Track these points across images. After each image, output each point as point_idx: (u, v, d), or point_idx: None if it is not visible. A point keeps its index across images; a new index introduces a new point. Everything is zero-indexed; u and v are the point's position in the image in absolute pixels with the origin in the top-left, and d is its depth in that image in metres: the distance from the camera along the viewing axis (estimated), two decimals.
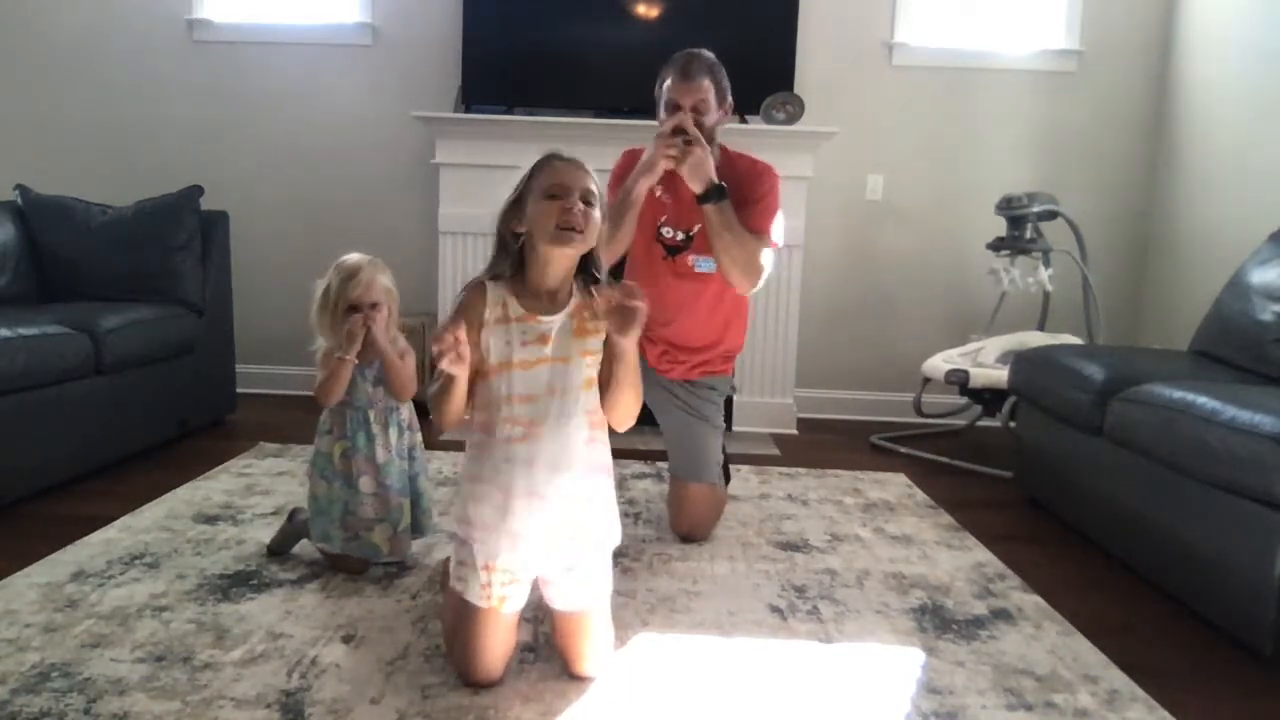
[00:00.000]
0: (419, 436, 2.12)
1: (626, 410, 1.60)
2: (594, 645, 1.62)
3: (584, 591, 1.60)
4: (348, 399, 2.03)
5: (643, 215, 2.30)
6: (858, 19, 3.94)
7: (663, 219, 2.36)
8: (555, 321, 1.54)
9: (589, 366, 1.56)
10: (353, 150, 4.05)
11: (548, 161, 1.53)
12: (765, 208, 2.31)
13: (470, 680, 1.57)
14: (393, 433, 2.05)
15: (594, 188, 1.52)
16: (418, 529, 2.12)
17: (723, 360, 2.45)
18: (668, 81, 2.27)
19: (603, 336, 1.56)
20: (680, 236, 2.35)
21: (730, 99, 2.33)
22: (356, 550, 2.03)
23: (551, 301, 1.55)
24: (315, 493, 2.06)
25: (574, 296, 1.56)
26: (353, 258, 2.03)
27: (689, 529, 2.35)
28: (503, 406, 1.53)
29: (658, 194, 2.33)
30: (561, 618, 1.62)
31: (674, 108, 2.24)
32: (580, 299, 1.56)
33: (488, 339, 1.53)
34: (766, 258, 2.30)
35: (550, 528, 1.54)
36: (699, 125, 2.21)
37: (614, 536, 1.64)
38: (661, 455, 3.22)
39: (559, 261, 1.53)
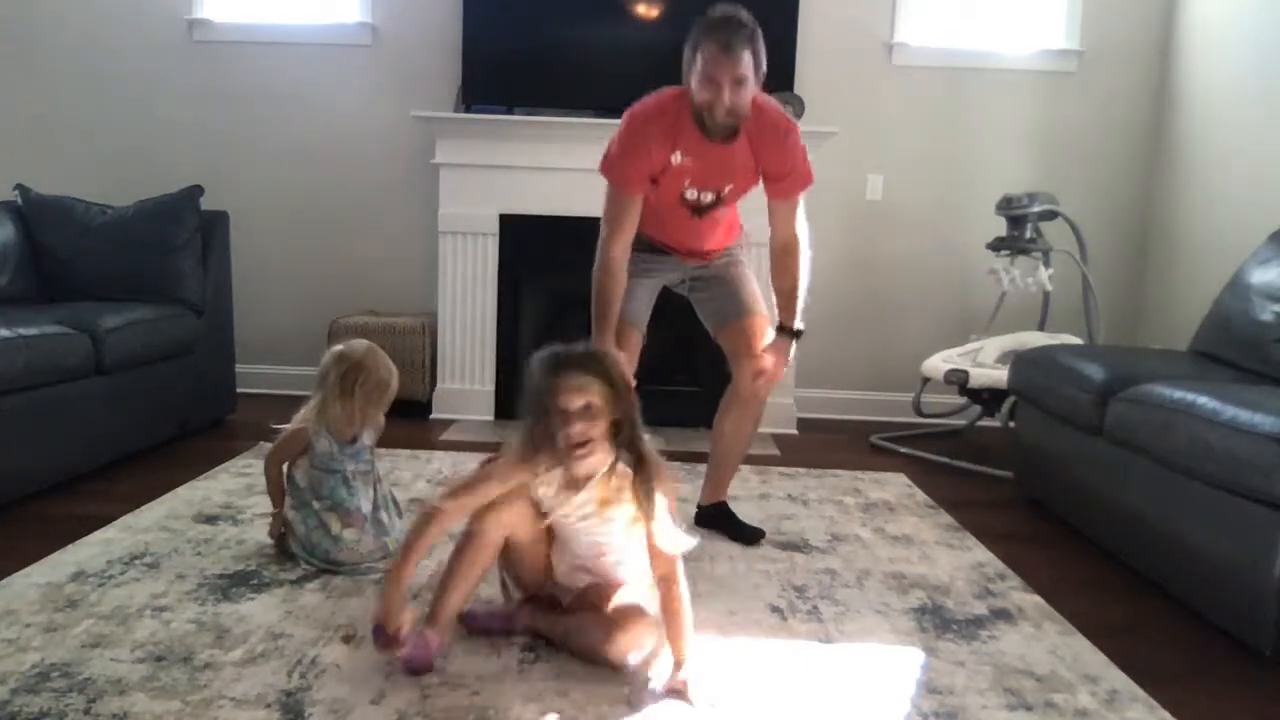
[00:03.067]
0: (387, 485, 2.22)
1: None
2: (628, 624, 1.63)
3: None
4: (327, 467, 2.09)
5: (666, 181, 2.21)
6: (858, 19, 3.95)
7: (686, 182, 2.23)
8: (585, 497, 1.63)
9: (600, 534, 1.66)
10: (353, 150, 4.05)
11: (551, 377, 1.58)
12: (804, 173, 2.26)
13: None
14: (371, 487, 2.14)
15: (597, 398, 1.56)
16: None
17: (734, 228, 2.45)
18: (704, 51, 2.06)
19: (623, 507, 1.62)
20: (709, 198, 2.26)
21: (764, 65, 2.13)
22: (342, 558, 2.07)
23: (587, 475, 1.63)
24: (295, 530, 2.10)
25: (607, 465, 1.62)
26: (357, 345, 2.11)
27: (759, 363, 2.29)
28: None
29: (676, 161, 2.19)
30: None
31: (712, 83, 2.06)
32: (611, 468, 1.61)
33: (536, 489, 1.66)
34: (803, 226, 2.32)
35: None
36: (737, 102, 2.06)
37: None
38: (662, 455, 3.22)
39: (578, 466, 1.61)
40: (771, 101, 2.26)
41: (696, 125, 2.14)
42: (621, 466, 1.61)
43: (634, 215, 2.21)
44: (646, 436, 1.63)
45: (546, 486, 1.65)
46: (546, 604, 1.76)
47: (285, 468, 2.15)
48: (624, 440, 1.61)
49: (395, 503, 2.24)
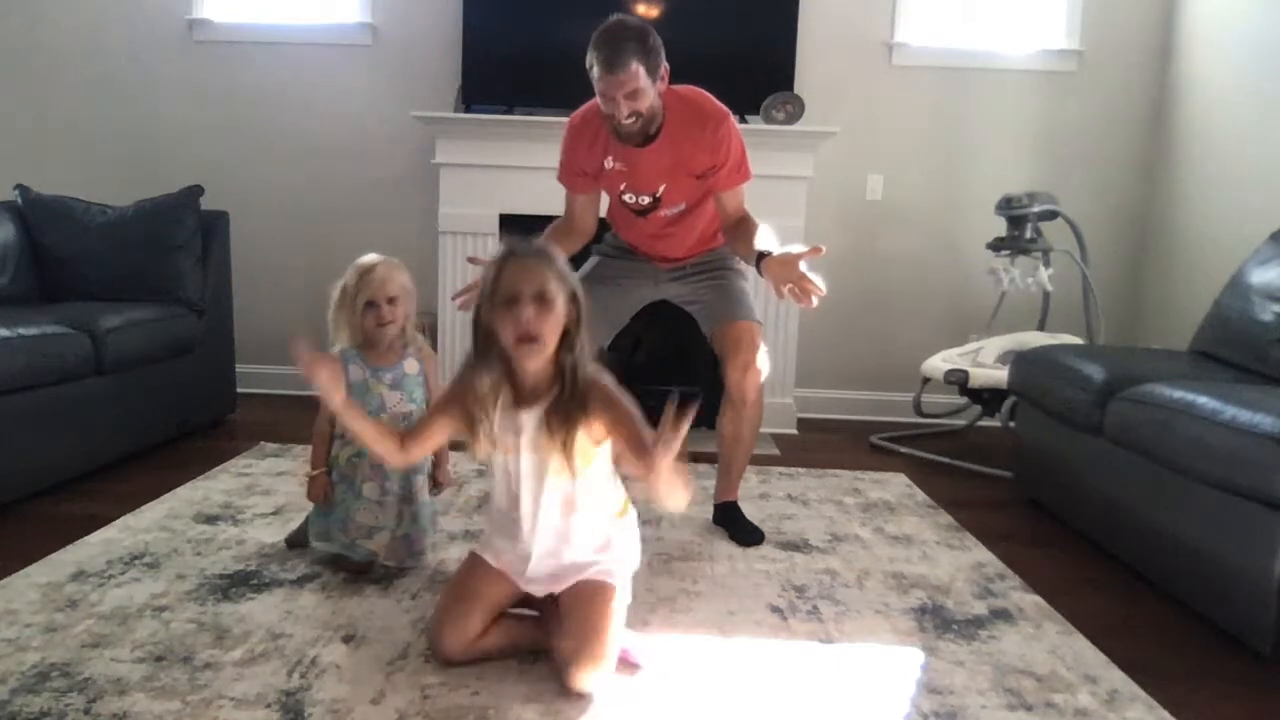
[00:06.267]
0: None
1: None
2: (597, 642, 1.56)
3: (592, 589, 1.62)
4: (361, 403, 2.03)
5: (606, 185, 2.34)
6: (858, 19, 3.94)
7: (622, 187, 2.33)
8: (530, 416, 1.57)
9: (559, 457, 1.57)
10: (353, 150, 4.05)
11: (502, 263, 1.53)
12: (738, 163, 2.27)
13: (436, 642, 1.64)
14: None
15: (551, 285, 1.51)
16: (418, 536, 2.08)
17: (712, 240, 2.45)
18: (595, 70, 2.11)
19: (574, 436, 1.55)
20: (646, 200, 2.33)
21: (664, 62, 2.16)
22: (355, 554, 2.03)
23: (535, 391, 1.58)
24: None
25: (552, 388, 1.56)
26: (370, 257, 2.04)
27: (745, 363, 2.28)
28: (498, 478, 1.67)
29: (608, 165, 2.29)
30: (566, 598, 1.62)
31: (608, 99, 2.13)
32: (555, 391, 1.56)
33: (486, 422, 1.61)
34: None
35: (546, 570, 1.66)
36: (636, 109, 2.13)
37: (624, 569, 1.69)
38: None
39: (527, 361, 1.55)
40: (700, 95, 2.28)
41: (614, 134, 2.24)
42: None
43: (578, 211, 2.42)
44: (591, 364, 1.57)
45: (495, 406, 1.58)
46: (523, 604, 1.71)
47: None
48: (566, 356, 1.55)
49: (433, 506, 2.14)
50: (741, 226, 2.29)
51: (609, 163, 2.29)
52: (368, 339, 2.04)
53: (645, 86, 2.11)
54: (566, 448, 1.55)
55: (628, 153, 2.26)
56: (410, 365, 2.07)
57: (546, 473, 1.59)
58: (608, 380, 1.59)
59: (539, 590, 1.67)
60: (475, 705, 1.52)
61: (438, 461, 2.13)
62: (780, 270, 2.04)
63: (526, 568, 1.65)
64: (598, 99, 2.18)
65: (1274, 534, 1.77)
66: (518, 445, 1.59)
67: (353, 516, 2.01)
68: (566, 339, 1.55)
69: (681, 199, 2.32)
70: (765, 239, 2.19)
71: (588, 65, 2.14)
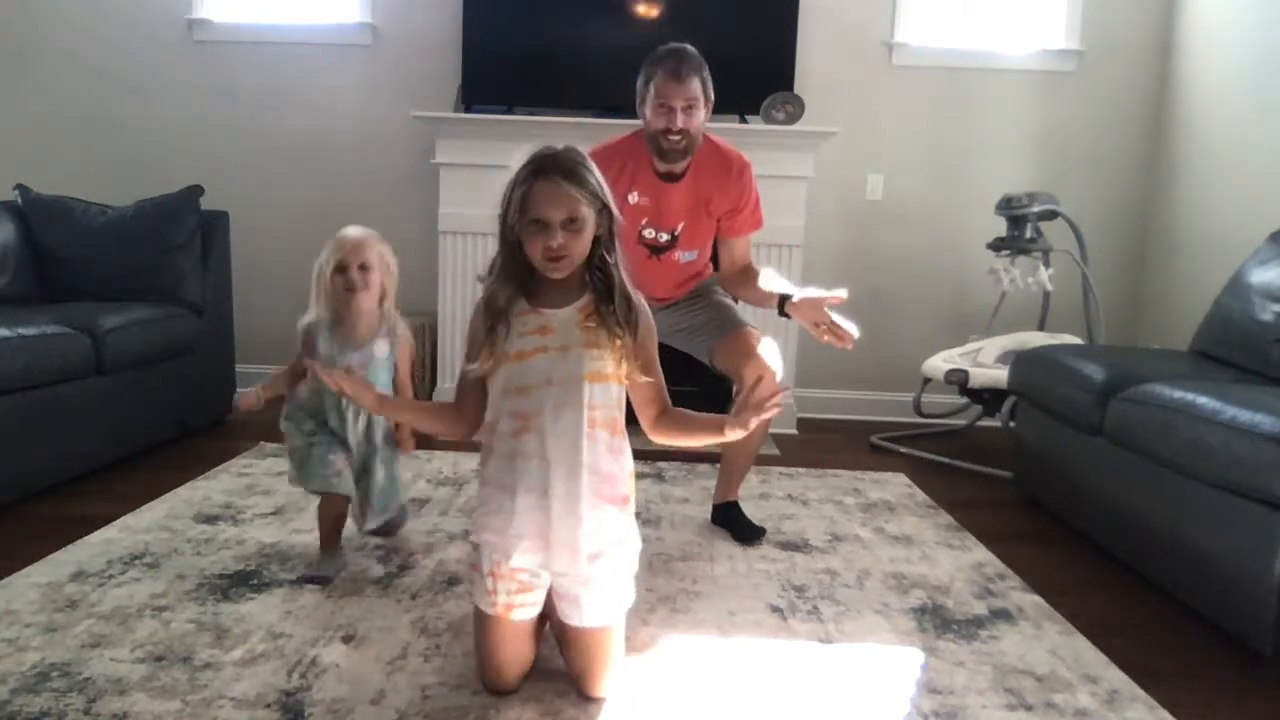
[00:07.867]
0: (388, 427, 2.10)
1: (675, 440, 1.63)
2: (605, 665, 1.55)
3: (597, 609, 1.52)
4: (323, 385, 2.00)
5: (625, 220, 2.34)
6: (858, 19, 3.94)
7: (644, 222, 2.36)
8: (559, 314, 1.50)
9: (593, 359, 1.48)
10: (353, 150, 4.05)
11: (530, 181, 1.45)
12: (754, 208, 2.44)
13: (485, 687, 1.57)
14: (363, 418, 2.04)
15: (580, 207, 1.44)
16: (382, 509, 2.08)
17: (695, 279, 2.53)
18: (656, 80, 2.23)
19: (611, 337, 1.50)
20: (665, 238, 2.40)
21: (712, 95, 2.31)
22: (335, 486, 1.99)
23: (560, 295, 1.52)
24: (293, 445, 2.05)
25: (585, 294, 1.52)
26: (350, 228, 2.03)
27: (760, 366, 2.23)
28: (502, 401, 1.51)
29: (633, 200, 2.32)
30: (572, 633, 1.55)
31: (665, 109, 2.22)
32: (591, 297, 1.51)
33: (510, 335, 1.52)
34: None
35: (553, 528, 1.47)
36: (689, 126, 2.23)
37: (627, 549, 1.55)
38: (662, 455, 3.22)
39: (555, 275, 1.50)
40: (727, 144, 2.42)
41: (651, 165, 2.31)
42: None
43: None
44: (621, 265, 1.52)
45: (519, 319, 1.50)
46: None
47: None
48: (598, 262, 1.50)
49: (396, 477, 2.12)
50: (747, 274, 2.44)
51: (633, 197, 2.33)
52: (339, 311, 2.01)
53: (700, 105, 2.24)
54: (619, 329, 1.49)
55: (655, 188, 2.33)
56: (380, 347, 2.05)
57: (579, 371, 1.47)
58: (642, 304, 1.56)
59: (560, 565, 1.51)
60: (475, 705, 1.52)
61: (399, 388, 2.11)
62: (811, 311, 2.19)
63: (537, 518, 1.48)
64: (651, 113, 2.24)
65: (1274, 534, 1.77)
66: (543, 346, 1.49)
67: (328, 451, 2.00)
68: (597, 246, 1.50)
69: (697, 245, 2.43)
70: (778, 282, 2.32)
71: (643, 80, 2.26)
